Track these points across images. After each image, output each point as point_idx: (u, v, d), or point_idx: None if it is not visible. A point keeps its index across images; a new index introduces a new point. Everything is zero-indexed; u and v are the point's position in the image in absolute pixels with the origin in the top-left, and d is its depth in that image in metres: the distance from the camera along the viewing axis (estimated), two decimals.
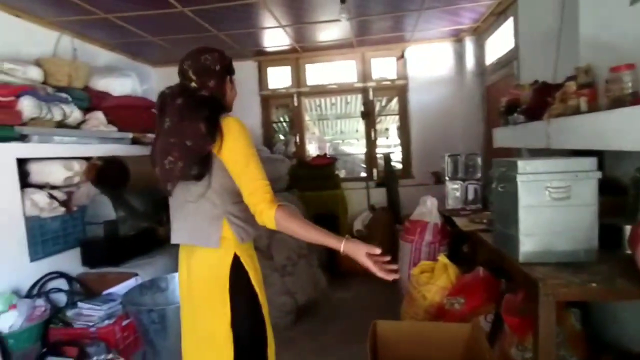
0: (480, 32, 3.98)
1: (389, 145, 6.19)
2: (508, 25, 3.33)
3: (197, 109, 1.21)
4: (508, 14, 3.27)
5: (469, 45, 4.13)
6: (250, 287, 1.27)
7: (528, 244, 1.42)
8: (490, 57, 3.90)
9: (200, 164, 1.20)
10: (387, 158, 4.41)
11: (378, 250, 1.15)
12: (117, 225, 2.88)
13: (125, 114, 3.54)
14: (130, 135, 3.46)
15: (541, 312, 1.26)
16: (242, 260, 1.26)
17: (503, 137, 2.74)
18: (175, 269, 3.03)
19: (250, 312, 1.28)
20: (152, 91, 4.36)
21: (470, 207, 2.72)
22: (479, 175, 2.81)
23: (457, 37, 4.23)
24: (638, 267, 1.21)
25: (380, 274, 1.14)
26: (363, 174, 5.01)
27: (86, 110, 3.14)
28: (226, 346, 1.23)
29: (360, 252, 1.14)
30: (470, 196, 2.76)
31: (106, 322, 2.34)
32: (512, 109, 2.63)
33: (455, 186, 2.79)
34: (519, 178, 1.41)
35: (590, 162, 1.41)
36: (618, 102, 1.48)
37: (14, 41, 2.82)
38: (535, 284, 1.27)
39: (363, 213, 4.50)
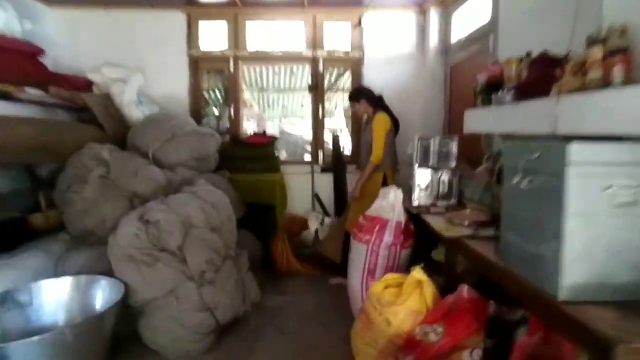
0: (448, 3, 3.52)
1: (337, 128, 5.65)
2: None
3: None
4: None
5: (434, 18, 3.66)
6: None
7: (577, 273, 0.92)
8: (457, 34, 3.47)
9: None
10: (335, 139, 3.82)
11: None
12: None
13: None
14: None
15: None
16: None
17: (479, 120, 2.27)
18: (52, 274, 2.22)
19: None
20: (43, 35, 3.32)
21: (443, 202, 2.24)
22: (453, 164, 2.31)
23: (421, 8, 3.75)
24: None
25: None
26: (308, 158, 4.40)
27: None
28: None
29: None
30: (443, 189, 2.26)
31: None
32: (494, 88, 2.20)
33: (425, 176, 2.27)
34: (571, 170, 0.89)
35: None
36: None
37: None
38: (609, 345, 0.76)
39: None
